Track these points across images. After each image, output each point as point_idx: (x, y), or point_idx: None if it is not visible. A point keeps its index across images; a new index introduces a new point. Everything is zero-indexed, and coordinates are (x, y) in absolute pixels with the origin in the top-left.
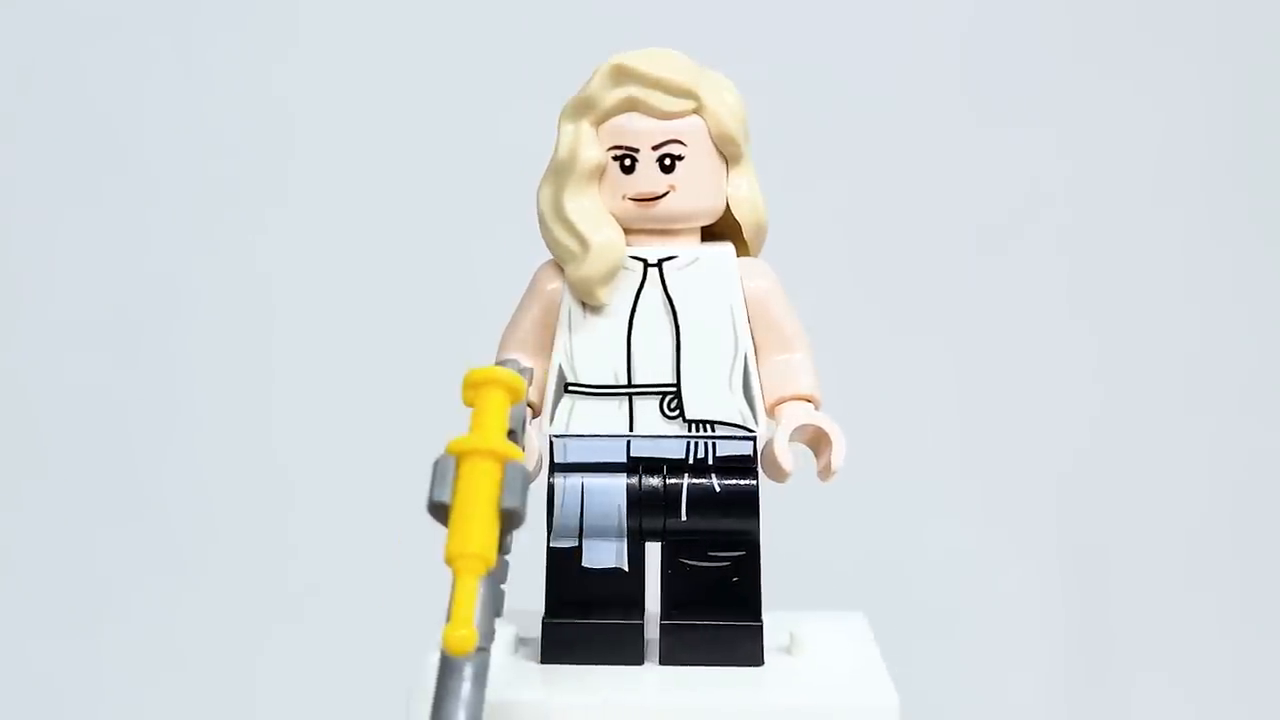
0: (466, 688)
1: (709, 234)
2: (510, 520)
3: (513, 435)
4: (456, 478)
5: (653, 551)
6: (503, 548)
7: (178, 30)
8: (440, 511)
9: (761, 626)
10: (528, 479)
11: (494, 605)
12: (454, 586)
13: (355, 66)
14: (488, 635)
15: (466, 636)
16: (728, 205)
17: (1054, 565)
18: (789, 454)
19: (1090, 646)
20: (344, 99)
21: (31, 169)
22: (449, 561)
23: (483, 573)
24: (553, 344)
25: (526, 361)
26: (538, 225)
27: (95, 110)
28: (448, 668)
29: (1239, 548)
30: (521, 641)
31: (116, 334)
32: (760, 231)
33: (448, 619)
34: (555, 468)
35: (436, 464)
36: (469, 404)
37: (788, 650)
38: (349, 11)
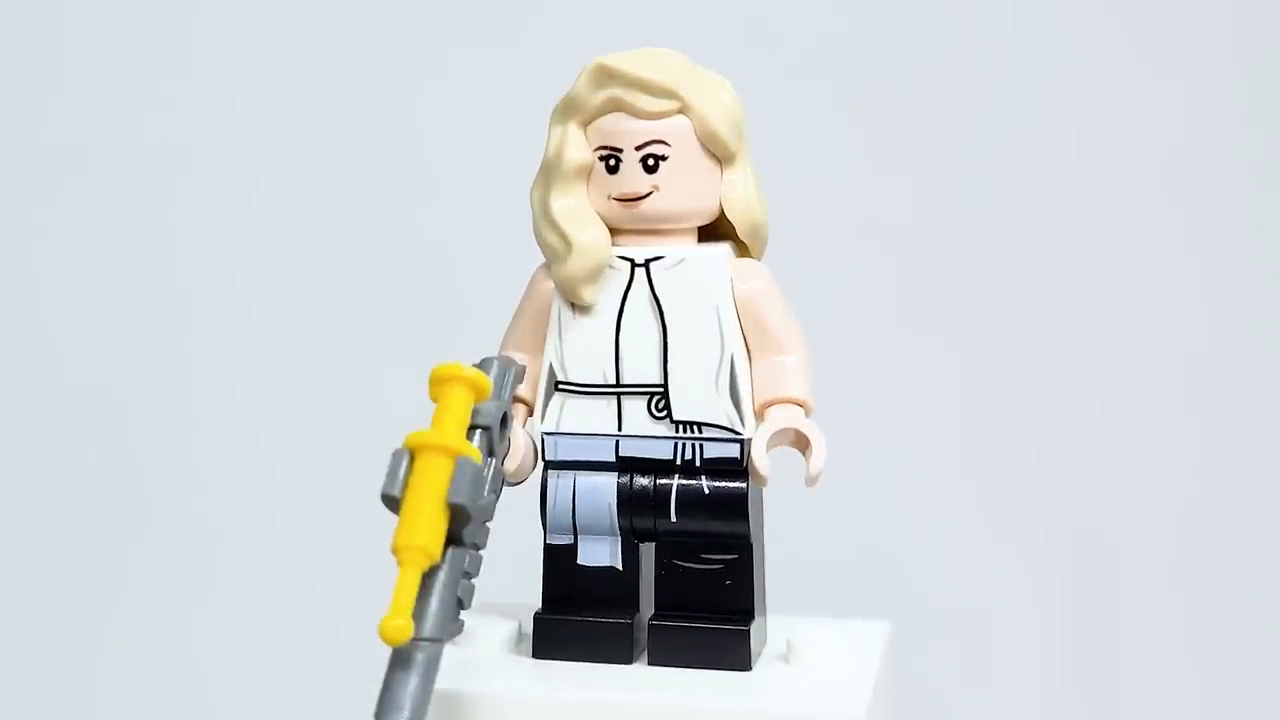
0: (413, 679)
1: (713, 234)
2: (459, 516)
3: (490, 432)
4: (409, 472)
5: (648, 552)
6: (476, 543)
7: (179, 26)
8: (391, 504)
9: (749, 631)
10: (480, 475)
11: (452, 598)
12: (397, 577)
13: (353, 65)
14: (441, 627)
15: (402, 627)
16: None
17: (1056, 566)
18: (766, 458)
19: (1092, 648)
20: (342, 100)
21: (22, 169)
22: (394, 553)
23: (425, 565)
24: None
25: (522, 359)
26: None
27: (90, 108)
28: (397, 658)
29: (1240, 547)
30: (523, 636)
31: (115, 335)
32: (757, 232)
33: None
34: (547, 465)
35: (391, 457)
36: (433, 399)
37: (784, 658)
38: (345, 9)
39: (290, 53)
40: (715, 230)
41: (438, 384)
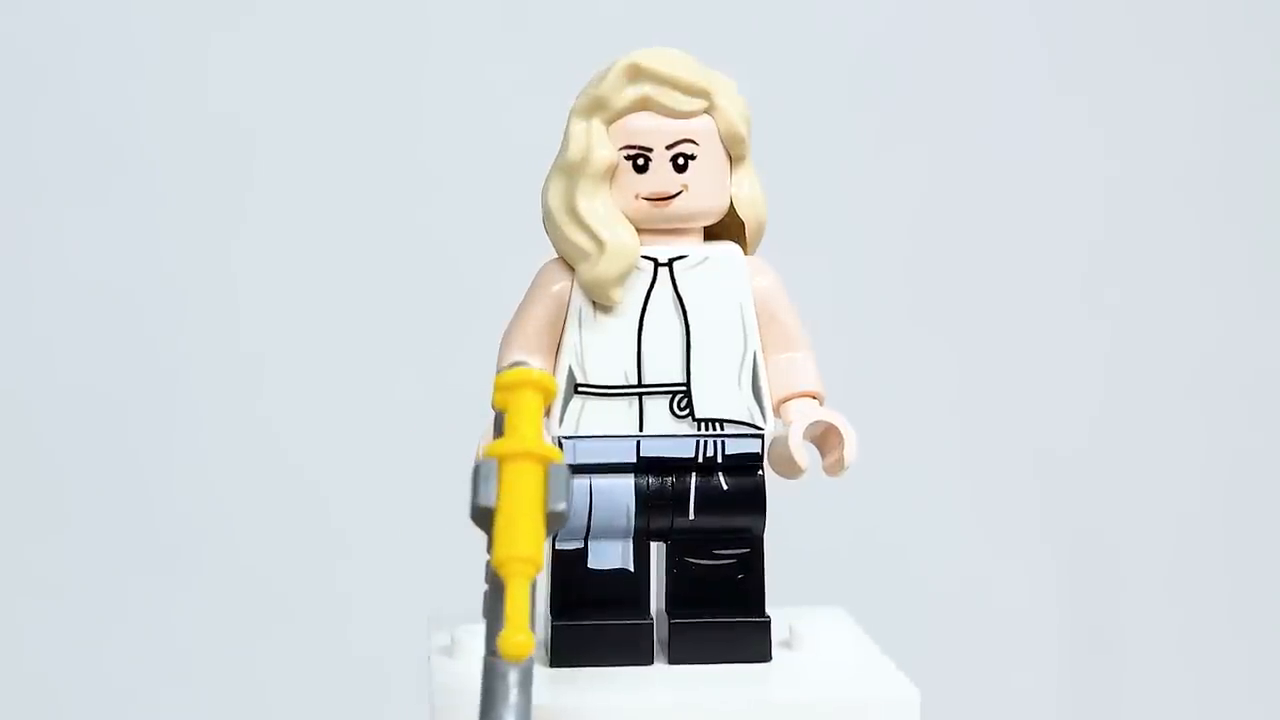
0: (513, 695)
1: (709, 232)
2: (556, 523)
3: None
4: (499, 482)
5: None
6: None
7: (177, 22)
8: (485, 516)
9: (770, 622)
10: (571, 480)
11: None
12: (506, 592)
13: (352, 63)
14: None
15: (524, 642)
16: (730, 204)
17: (1049, 562)
18: (804, 450)
19: (1089, 642)
20: (341, 98)
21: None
22: (499, 566)
23: (533, 576)
24: (559, 344)
25: (536, 363)
26: (543, 224)
27: (93, 107)
28: (494, 673)
29: (1236, 545)
30: None
31: (113, 340)
32: (760, 230)
33: (502, 624)
34: None
35: (478, 468)
36: (500, 407)
37: (788, 645)
38: (339, 6)
39: (289, 51)
40: (710, 228)
41: (506, 390)
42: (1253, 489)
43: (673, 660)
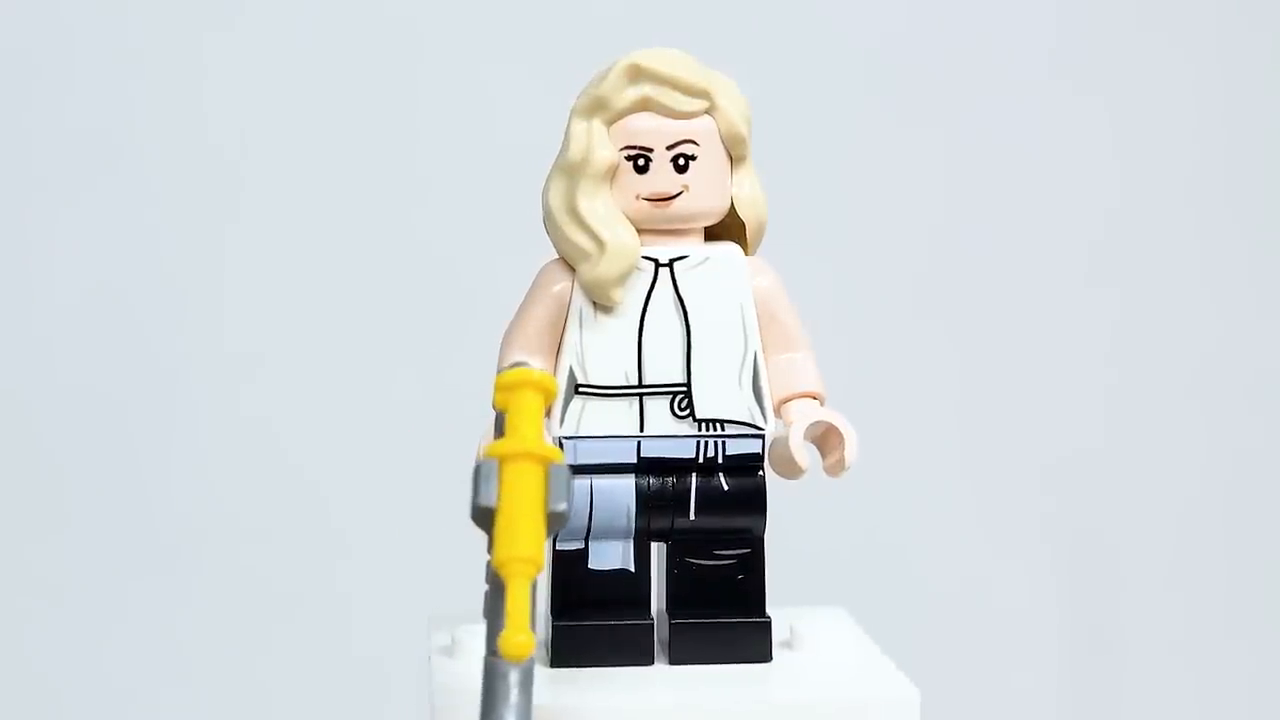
0: (514, 695)
1: (709, 232)
2: (556, 523)
3: None
4: (499, 482)
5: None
6: None
7: (172, 22)
8: (485, 516)
9: (770, 622)
10: (571, 480)
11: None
12: (507, 592)
13: (341, 62)
14: None
15: (524, 642)
16: (731, 204)
17: (1049, 562)
18: (804, 451)
19: (1089, 642)
20: (334, 98)
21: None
22: (499, 567)
23: (533, 576)
24: (559, 345)
25: (536, 363)
26: (544, 225)
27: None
28: (494, 673)
29: (1237, 545)
30: None
31: (115, 336)
32: (761, 230)
33: (503, 624)
34: None
35: (478, 468)
36: (501, 407)
37: (789, 645)
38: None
39: (285, 51)
40: (711, 228)
41: (507, 390)
42: (1253, 489)
43: (673, 660)
